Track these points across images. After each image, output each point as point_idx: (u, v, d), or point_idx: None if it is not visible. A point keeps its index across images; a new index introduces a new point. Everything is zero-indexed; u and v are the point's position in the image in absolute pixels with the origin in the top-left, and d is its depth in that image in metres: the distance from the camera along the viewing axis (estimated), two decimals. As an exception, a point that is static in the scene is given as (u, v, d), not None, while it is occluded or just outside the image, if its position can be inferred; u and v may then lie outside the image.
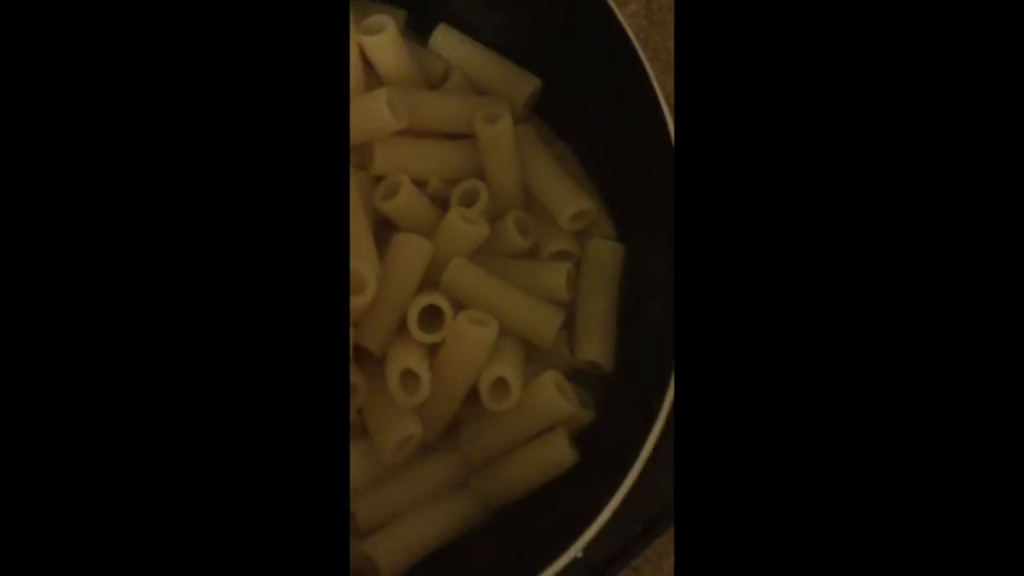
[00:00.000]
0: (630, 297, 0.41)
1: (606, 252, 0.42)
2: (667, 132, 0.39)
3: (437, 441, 0.39)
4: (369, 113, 0.38)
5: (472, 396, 0.38)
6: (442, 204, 0.41)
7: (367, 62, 0.41)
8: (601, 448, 0.38)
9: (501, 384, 0.37)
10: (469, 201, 0.40)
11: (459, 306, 0.38)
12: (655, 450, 0.35)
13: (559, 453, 0.38)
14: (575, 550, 0.34)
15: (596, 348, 0.40)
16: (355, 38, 0.40)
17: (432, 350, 0.38)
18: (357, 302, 0.36)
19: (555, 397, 0.37)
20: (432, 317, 0.38)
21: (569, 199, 0.41)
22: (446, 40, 0.43)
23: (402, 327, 0.38)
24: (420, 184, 0.40)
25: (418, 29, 0.44)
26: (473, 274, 0.39)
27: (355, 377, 0.37)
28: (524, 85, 0.43)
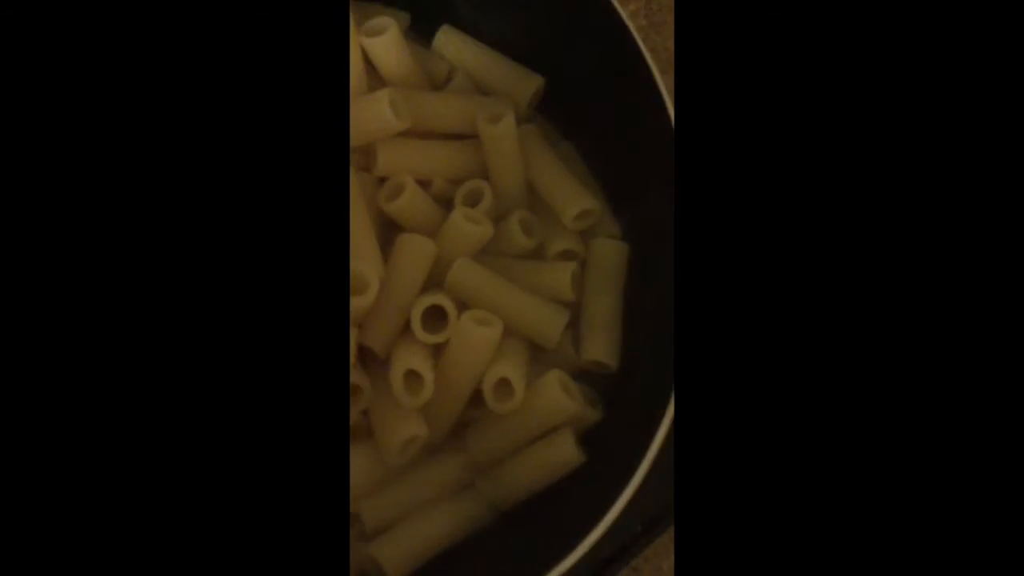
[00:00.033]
0: (636, 296, 0.41)
1: (611, 251, 0.41)
2: (671, 131, 0.39)
3: (443, 443, 0.39)
4: (371, 114, 0.38)
5: (477, 397, 0.38)
6: (446, 205, 0.40)
7: (370, 64, 0.41)
8: (608, 448, 0.38)
9: (505, 384, 0.37)
10: (473, 201, 0.40)
11: (463, 306, 0.38)
12: (662, 449, 0.35)
13: (565, 453, 0.37)
14: (581, 550, 0.34)
15: (602, 347, 0.40)
16: (357, 40, 0.40)
17: (436, 351, 0.37)
18: (360, 302, 0.36)
19: (560, 397, 0.37)
20: (436, 317, 0.37)
21: (573, 198, 0.41)
22: (449, 41, 0.43)
23: (406, 328, 0.38)
24: (424, 185, 0.40)
25: (422, 31, 0.44)
26: (477, 274, 0.39)
27: (359, 378, 0.37)
28: (527, 85, 0.43)
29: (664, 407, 0.35)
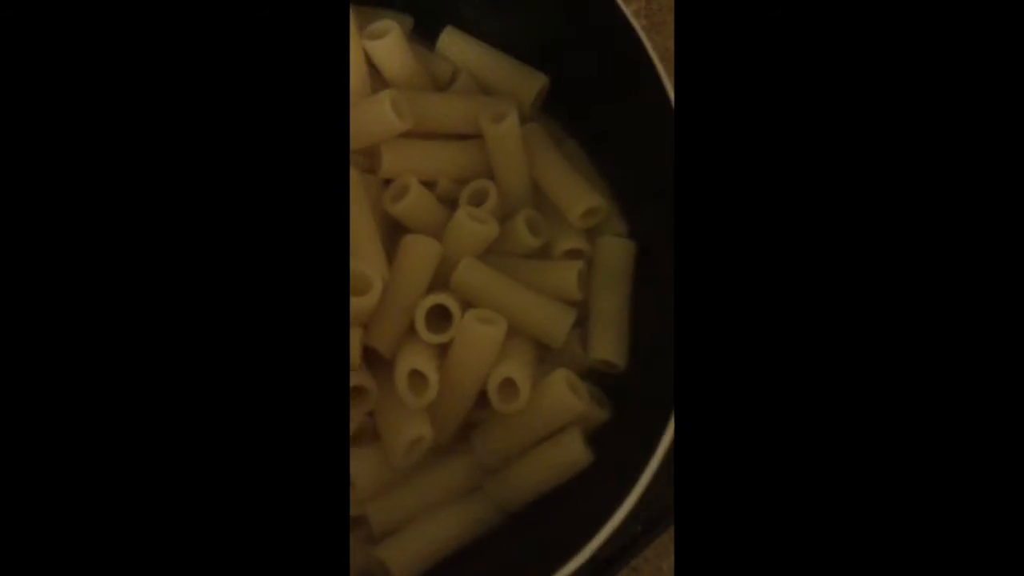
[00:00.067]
0: (644, 294, 0.40)
1: (618, 249, 0.41)
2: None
3: (450, 445, 0.39)
4: (373, 115, 0.38)
5: (484, 399, 0.38)
6: (452, 205, 0.40)
7: (373, 67, 0.41)
8: (617, 447, 0.37)
9: (509, 385, 0.37)
10: (478, 201, 0.40)
11: (469, 307, 0.38)
12: (670, 449, 0.35)
13: (573, 453, 0.37)
14: (589, 550, 0.33)
15: (610, 346, 0.39)
16: (360, 43, 0.40)
17: (442, 351, 0.37)
18: (363, 303, 0.36)
19: (567, 395, 0.37)
20: (442, 318, 0.37)
21: (579, 196, 0.41)
22: (452, 42, 0.43)
23: (412, 328, 0.37)
24: (430, 185, 0.40)
25: (426, 33, 0.44)
26: (483, 274, 0.38)
27: (365, 380, 0.37)
28: (531, 84, 0.43)
29: (672, 406, 0.35)
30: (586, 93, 0.43)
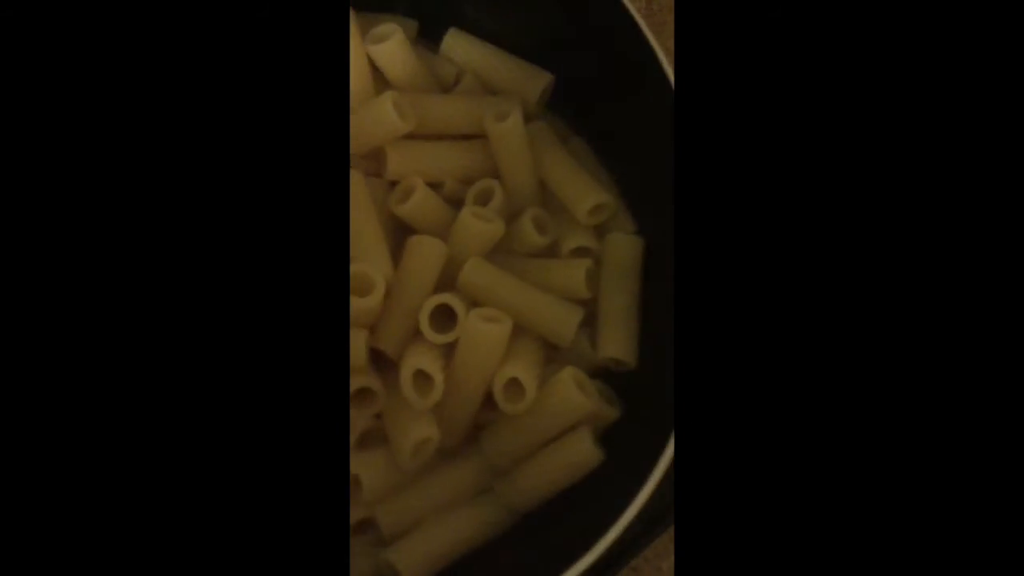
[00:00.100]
0: (654, 291, 0.40)
1: (626, 246, 0.41)
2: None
3: (459, 447, 0.38)
4: (376, 117, 0.38)
5: (492, 399, 0.37)
6: (458, 205, 0.40)
7: (378, 72, 0.41)
8: (629, 446, 0.37)
9: (515, 385, 0.37)
10: (484, 200, 0.40)
11: (475, 306, 0.37)
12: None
13: (583, 452, 0.37)
14: (597, 551, 0.33)
15: (619, 344, 0.39)
16: (363, 48, 0.40)
17: (448, 352, 0.37)
18: (367, 304, 0.36)
19: (575, 394, 0.36)
20: (448, 318, 0.37)
21: (586, 193, 0.40)
22: (456, 44, 0.43)
23: (418, 330, 0.37)
24: (436, 186, 0.40)
25: (431, 36, 0.44)
26: (489, 273, 0.38)
27: (372, 382, 0.36)
28: (536, 82, 0.43)
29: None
30: (592, 90, 0.42)
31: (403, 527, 0.37)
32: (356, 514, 0.36)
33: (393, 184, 0.40)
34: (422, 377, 0.36)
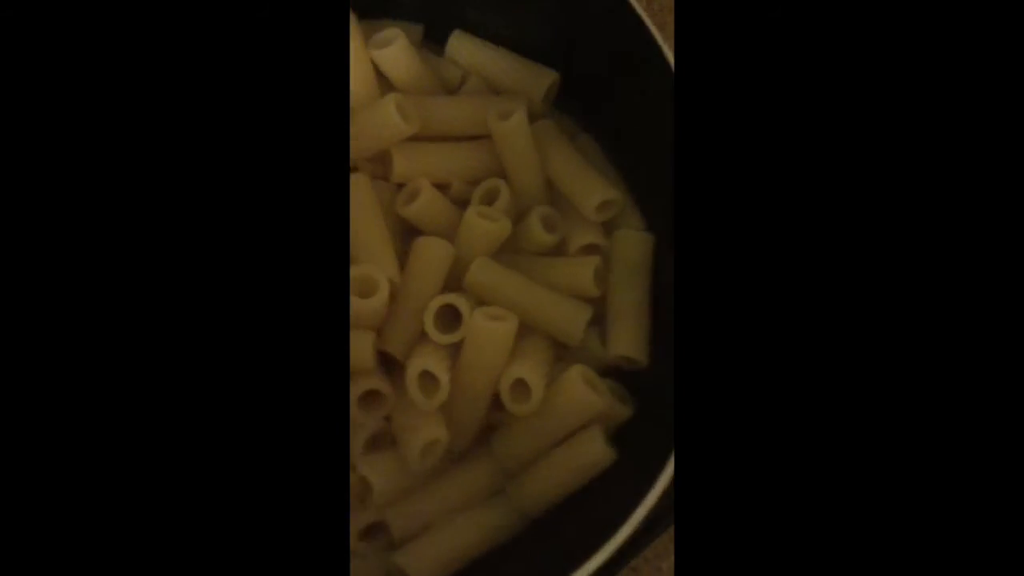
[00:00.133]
0: (665, 287, 0.40)
1: (636, 243, 0.40)
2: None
3: (469, 449, 0.38)
4: (379, 120, 0.38)
5: (501, 401, 0.37)
6: (465, 206, 0.40)
7: (383, 77, 0.41)
8: (641, 445, 0.36)
9: (522, 386, 0.36)
10: (490, 200, 0.40)
11: (483, 307, 0.37)
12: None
13: (594, 452, 0.36)
14: (607, 551, 0.32)
15: (630, 342, 0.38)
16: (366, 53, 0.40)
17: (454, 352, 0.37)
18: (371, 305, 0.35)
19: (584, 392, 0.36)
20: (454, 318, 0.37)
21: (593, 189, 0.40)
22: (461, 46, 0.43)
23: (425, 331, 0.37)
24: (443, 188, 0.40)
25: (437, 40, 0.44)
26: (496, 273, 0.38)
27: (381, 384, 0.36)
28: (541, 80, 0.42)
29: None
30: (599, 87, 0.42)
31: (413, 530, 0.36)
32: (366, 517, 0.36)
33: (400, 186, 0.40)
34: (428, 378, 0.36)
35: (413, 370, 0.36)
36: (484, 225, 0.38)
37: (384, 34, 0.41)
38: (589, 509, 0.36)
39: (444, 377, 0.35)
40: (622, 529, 0.33)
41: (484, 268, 0.38)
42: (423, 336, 0.37)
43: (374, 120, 0.39)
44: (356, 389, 0.36)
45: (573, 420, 0.37)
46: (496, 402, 0.37)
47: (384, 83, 0.41)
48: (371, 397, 0.37)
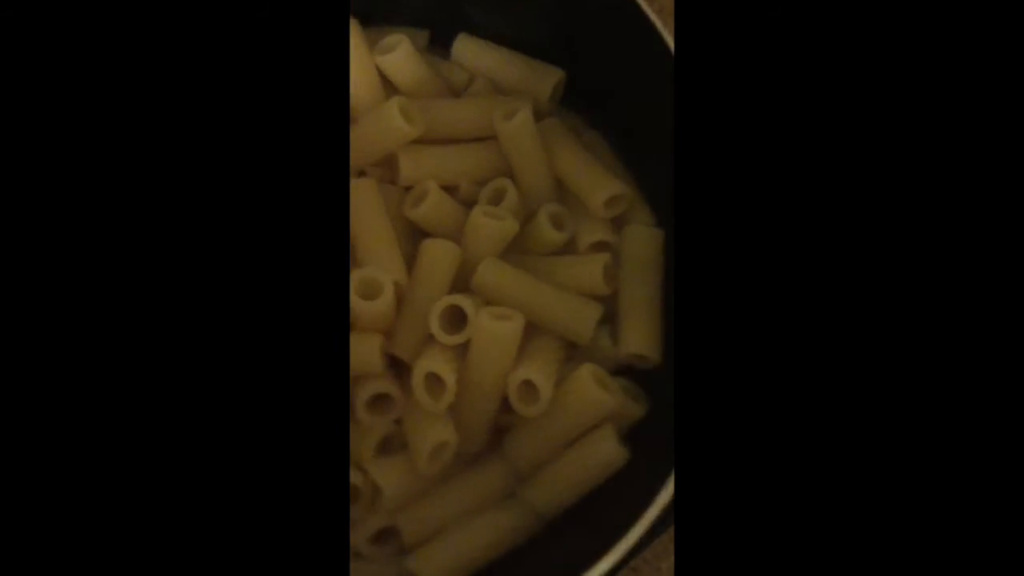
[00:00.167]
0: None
1: (646, 239, 0.39)
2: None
3: (481, 452, 0.38)
4: (384, 123, 0.38)
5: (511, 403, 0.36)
6: (473, 207, 0.39)
7: (389, 83, 0.42)
8: (655, 443, 0.35)
9: (530, 387, 0.36)
10: (497, 200, 0.39)
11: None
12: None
13: (607, 452, 0.35)
14: (618, 551, 0.32)
15: (641, 340, 0.37)
16: (371, 59, 0.41)
17: (461, 354, 0.36)
18: (376, 308, 0.35)
19: (595, 391, 0.35)
20: (461, 320, 0.36)
21: (601, 185, 0.39)
22: (466, 49, 0.43)
23: (432, 333, 0.37)
24: (451, 190, 0.40)
25: (443, 44, 0.44)
26: (503, 273, 0.37)
27: (390, 387, 0.36)
28: (546, 79, 0.42)
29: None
30: (605, 83, 0.42)
31: (425, 535, 0.36)
32: (377, 522, 0.36)
33: (408, 189, 0.40)
34: (435, 380, 0.36)
35: (419, 372, 0.35)
36: (490, 224, 0.38)
37: (388, 40, 0.41)
38: (602, 509, 0.35)
39: (450, 378, 0.35)
40: (633, 529, 0.32)
41: (492, 269, 0.37)
42: (430, 338, 0.37)
43: (379, 124, 0.39)
44: (364, 392, 0.36)
45: (584, 420, 0.36)
46: (506, 404, 0.37)
47: (390, 89, 0.41)
48: (380, 400, 0.36)
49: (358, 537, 0.36)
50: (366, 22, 0.42)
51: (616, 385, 0.37)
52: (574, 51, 0.42)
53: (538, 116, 0.41)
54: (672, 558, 0.40)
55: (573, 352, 0.38)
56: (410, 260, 0.38)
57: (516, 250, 0.39)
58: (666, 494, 0.32)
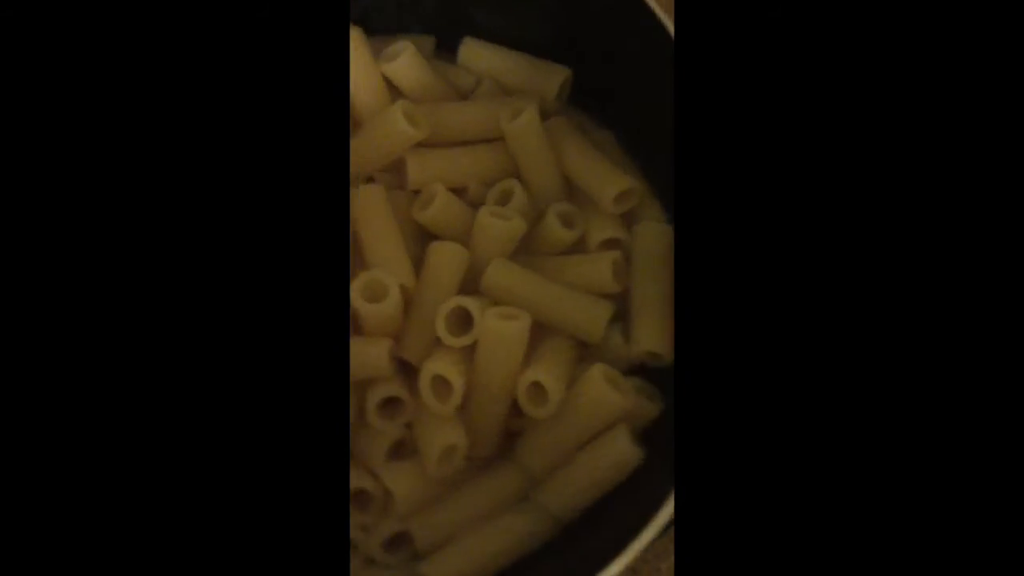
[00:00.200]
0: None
1: (657, 235, 0.39)
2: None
3: (493, 456, 0.37)
4: (388, 127, 0.38)
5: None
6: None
7: (396, 89, 0.42)
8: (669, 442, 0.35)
9: (539, 389, 0.35)
10: (504, 201, 0.39)
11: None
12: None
13: (621, 452, 0.35)
14: (633, 550, 0.31)
15: (654, 337, 0.37)
16: (377, 67, 0.41)
17: (470, 356, 0.36)
18: (382, 310, 0.35)
19: (606, 392, 0.34)
20: (468, 322, 0.36)
21: (610, 180, 0.39)
22: (472, 52, 0.43)
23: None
24: (460, 192, 0.40)
25: (450, 49, 0.44)
26: (512, 274, 0.37)
27: (400, 391, 0.36)
28: (553, 78, 0.42)
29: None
30: (613, 80, 0.41)
31: (439, 540, 0.35)
32: (390, 527, 0.36)
33: (416, 193, 0.40)
34: (442, 382, 0.35)
35: (426, 374, 0.35)
36: (497, 225, 0.37)
37: (393, 47, 0.41)
38: (618, 510, 0.35)
39: (457, 381, 0.35)
40: (647, 529, 0.31)
41: (500, 270, 0.37)
42: (438, 341, 0.36)
43: (383, 128, 0.39)
44: (375, 396, 0.36)
45: (596, 421, 0.35)
46: (518, 408, 0.36)
47: (397, 95, 0.41)
48: (391, 404, 0.36)
49: (371, 543, 0.36)
50: (374, 33, 0.42)
51: (629, 385, 0.36)
52: (581, 50, 0.42)
53: (545, 115, 0.40)
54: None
55: (585, 352, 0.38)
56: (420, 264, 0.38)
57: (526, 251, 0.39)
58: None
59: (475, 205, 0.40)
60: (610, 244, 0.39)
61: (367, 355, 0.35)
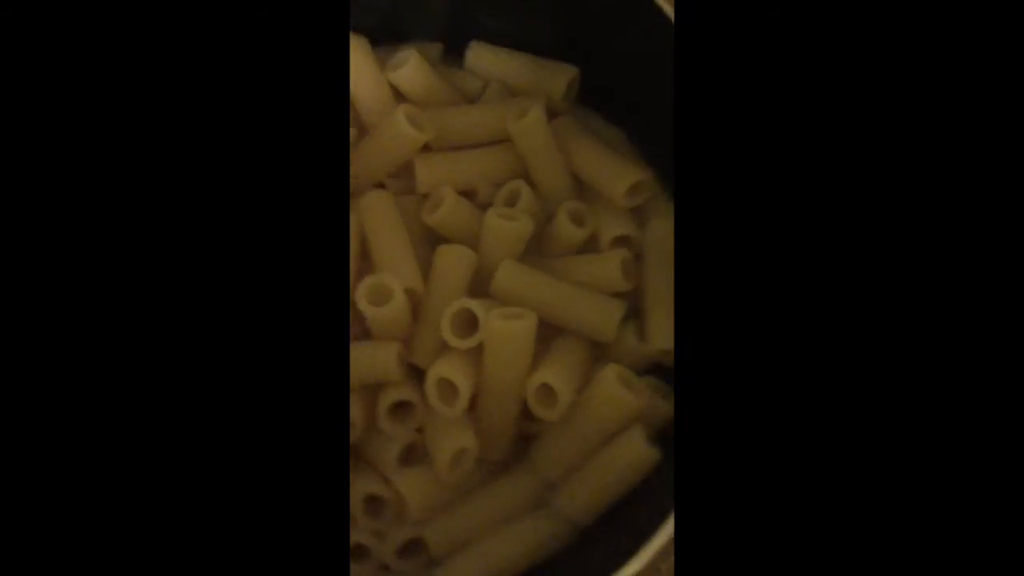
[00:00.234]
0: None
1: (669, 232, 0.38)
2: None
3: (509, 460, 0.36)
4: (393, 132, 0.38)
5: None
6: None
7: (403, 97, 0.42)
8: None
9: (549, 391, 0.34)
10: (513, 202, 0.39)
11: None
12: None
13: (636, 452, 0.34)
14: (651, 550, 0.30)
15: (668, 335, 0.36)
16: (383, 75, 0.41)
17: (478, 359, 0.35)
18: (387, 314, 0.35)
19: (620, 393, 0.34)
20: (475, 323, 0.36)
21: (621, 173, 0.38)
22: (479, 56, 0.43)
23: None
24: (470, 195, 0.40)
25: (458, 54, 0.44)
26: (522, 275, 0.37)
27: (410, 395, 0.36)
28: (560, 77, 0.41)
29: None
30: (621, 78, 0.40)
31: (453, 546, 0.35)
32: (403, 534, 0.35)
33: (426, 197, 0.40)
34: (450, 386, 0.35)
35: (433, 378, 0.35)
36: (505, 226, 0.37)
37: (399, 56, 0.41)
38: (636, 510, 0.34)
39: (463, 383, 0.34)
40: (663, 529, 0.30)
41: (510, 271, 0.37)
42: (446, 344, 0.36)
43: (388, 133, 0.39)
44: (386, 400, 0.35)
45: (610, 422, 0.35)
46: (530, 411, 0.35)
47: (404, 102, 0.41)
48: (401, 409, 0.36)
49: (385, 549, 0.35)
50: (380, 42, 0.42)
51: (643, 384, 0.35)
52: (588, 50, 0.41)
53: (553, 115, 0.40)
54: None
55: (600, 352, 0.37)
56: (429, 268, 0.38)
57: (537, 252, 0.38)
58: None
59: (484, 207, 0.39)
60: (621, 241, 0.38)
61: (376, 359, 0.35)
